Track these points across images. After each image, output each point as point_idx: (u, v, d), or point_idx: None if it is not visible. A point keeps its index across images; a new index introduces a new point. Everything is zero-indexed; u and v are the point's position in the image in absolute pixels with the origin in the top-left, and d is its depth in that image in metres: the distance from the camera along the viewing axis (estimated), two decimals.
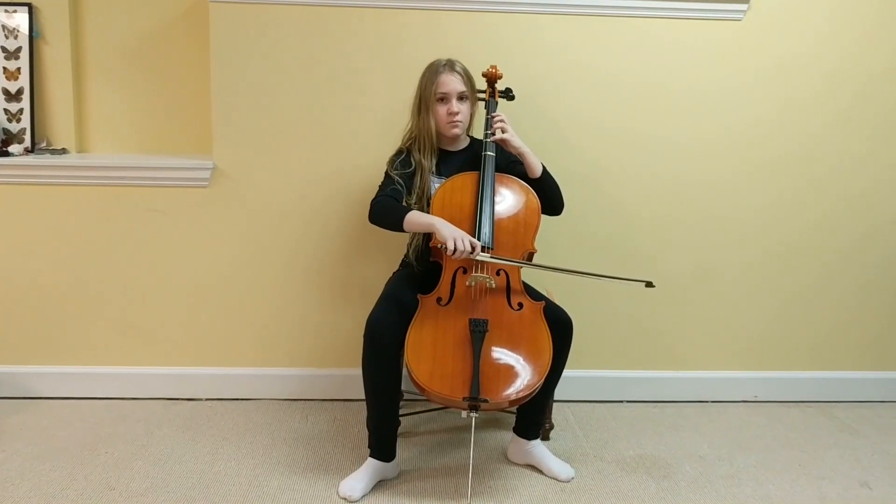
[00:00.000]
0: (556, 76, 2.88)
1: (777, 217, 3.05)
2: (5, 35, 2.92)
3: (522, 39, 2.84)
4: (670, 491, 2.43)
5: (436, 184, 2.50)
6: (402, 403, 2.51)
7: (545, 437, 2.71)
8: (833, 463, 2.66)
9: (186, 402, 2.98)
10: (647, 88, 2.91)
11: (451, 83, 2.46)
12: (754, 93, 2.95)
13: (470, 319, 2.28)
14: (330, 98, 2.84)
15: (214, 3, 2.75)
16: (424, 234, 2.46)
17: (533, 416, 2.52)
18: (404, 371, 2.34)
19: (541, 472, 2.50)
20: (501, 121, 2.49)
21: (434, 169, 2.53)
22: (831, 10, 2.90)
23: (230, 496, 2.31)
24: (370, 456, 2.39)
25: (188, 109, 3.03)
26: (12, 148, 2.92)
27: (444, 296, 2.35)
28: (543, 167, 2.52)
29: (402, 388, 2.48)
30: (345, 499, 2.31)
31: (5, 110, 2.95)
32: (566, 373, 2.45)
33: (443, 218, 2.37)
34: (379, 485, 2.39)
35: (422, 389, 2.21)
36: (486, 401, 2.13)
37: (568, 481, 2.46)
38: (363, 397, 2.38)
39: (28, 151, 2.94)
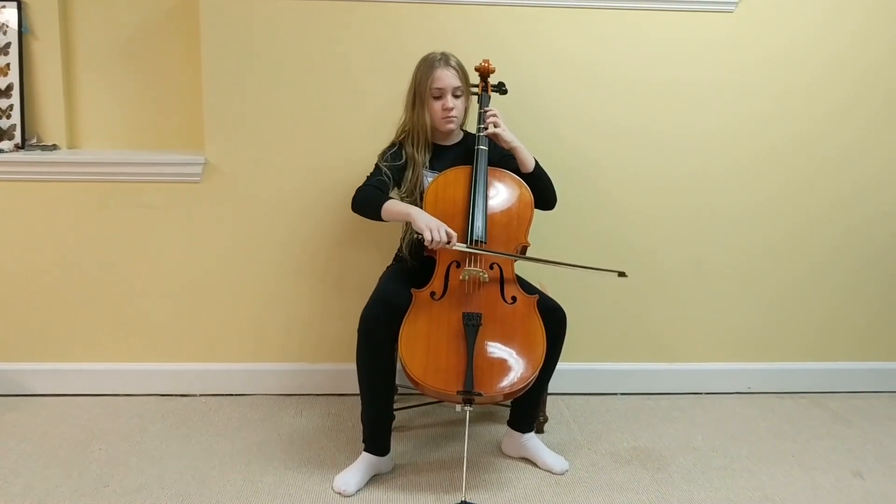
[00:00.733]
0: (549, 70, 2.88)
1: (769, 210, 3.06)
2: None
3: (515, 33, 2.83)
4: (664, 482, 2.44)
5: (429, 178, 2.50)
6: (396, 398, 2.51)
7: (539, 430, 2.71)
8: (826, 453, 2.67)
9: (180, 398, 2.98)
10: (639, 82, 2.91)
11: (447, 79, 2.46)
12: (747, 86, 2.95)
13: (463, 313, 2.28)
14: (322, 92, 2.83)
15: None
16: (418, 234, 2.46)
17: (527, 410, 2.52)
18: (398, 365, 2.34)
19: (535, 464, 2.51)
20: (494, 115, 2.49)
21: (427, 163, 2.53)
22: (825, 3, 2.90)
23: (225, 492, 2.31)
24: (365, 450, 2.40)
25: (179, 104, 3.01)
26: (3, 144, 2.90)
27: (437, 290, 2.35)
28: (536, 162, 2.52)
29: (397, 382, 2.48)
30: (339, 493, 2.31)
31: None
32: (560, 366, 2.46)
33: (436, 212, 2.38)
34: (374, 479, 2.39)
35: (416, 383, 2.21)
36: (480, 394, 2.13)
37: (562, 474, 2.47)
38: (357, 392, 2.38)
39: (18, 148, 2.92)
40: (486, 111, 2.51)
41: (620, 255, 2.99)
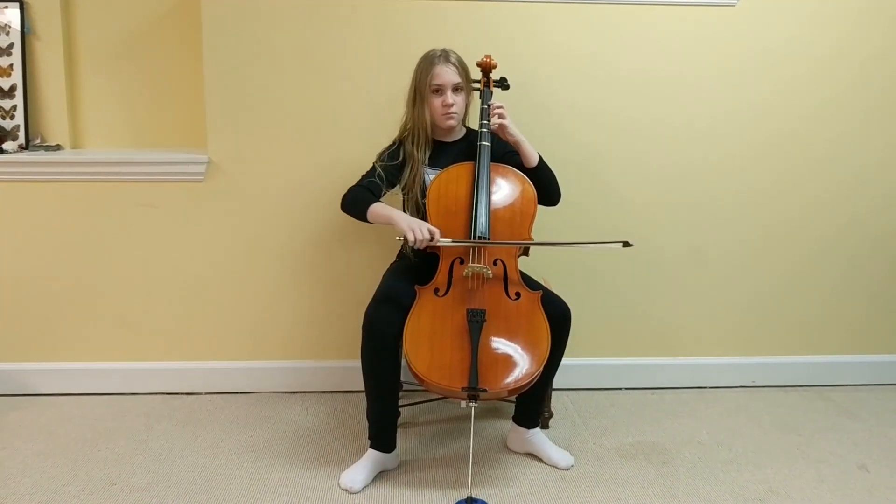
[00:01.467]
0: (549, 64, 2.87)
1: (770, 202, 3.06)
2: None
3: (516, 28, 2.83)
4: (669, 477, 2.44)
5: (430, 175, 2.50)
6: (401, 394, 2.52)
7: (544, 426, 2.72)
8: (831, 446, 2.67)
9: (186, 396, 2.99)
10: (641, 75, 2.91)
11: (446, 75, 2.46)
12: (745, 78, 2.94)
13: (467, 310, 2.28)
14: (324, 90, 2.83)
15: None
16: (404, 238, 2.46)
17: (532, 405, 2.53)
18: (403, 362, 2.35)
19: (540, 460, 2.51)
20: (500, 107, 2.49)
21: (428, 160, 2.53)
22: None
23: (231, 490, 2.32)
24: (370, 447, 2.40)
25: (182, 103, 3.02)
26: (6, 145, 2.91)
27: (441, 286, 2.35)
28: (540, 157, 2.52)
29: (402, 378, 2.49)
30: (346, 490, 2.31)
31: None
32: (564, 361, 2.46)
33: (439, 209, 2.38)
34: (380, 476, 2.40)
35: (421, 380, 2.21)
36: (484, 390, 2.13)
37: (568, 469, 2.47)
38: (363, 389, 2.38)
39: (22, 148, 2.93)
40: (491, 104, 2.51)
41: (623, 250, 2.99)
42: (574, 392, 3.06)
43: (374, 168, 2.51)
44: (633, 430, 2.76)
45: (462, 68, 2.49)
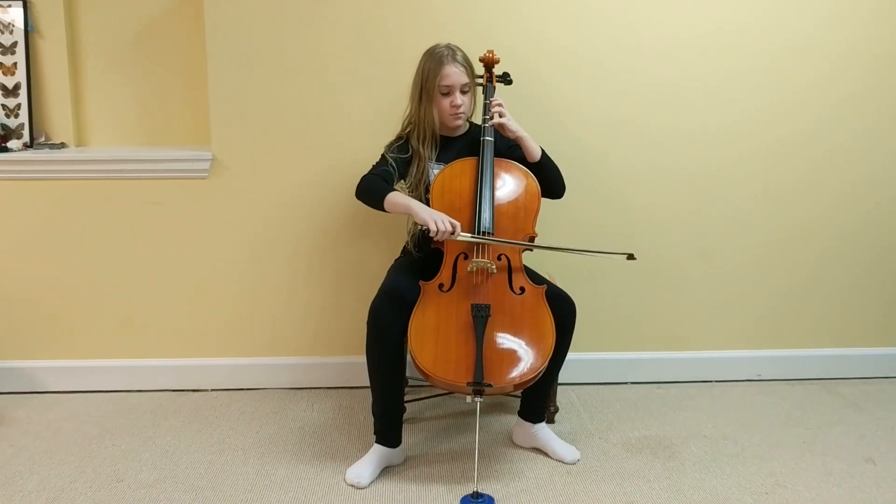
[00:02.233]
0: (552, 62, 2.87)
1: (778, 198, 3.05)
2: (0, 30, 2.91)
3: (518, 24, 2.83)
4: (676, 471, 2.44)
5: (435, 170, 2.50)
6: (406, 389, 2.52)
7: (550, 420, 2.72)
8: (838, 439, 2.67)
9: (192, 393, 3.00)
10: (644, 75, 2.90)
11: (455, 76, 2.44)
12: (758, 78, 2.93)
13: (472, 305, 2.28)
14: (328, 86, 2.83)
15: None
16: (421, 227, 2.45)
17: (537, 400, 2.53)
18: (408, 357, 2.35)
19: (546, 454, 2.51)
20: (499, 105, 2.48)
21: (433, 157, 2.52)
22: None
23: (238, 486, 2.32)
24: (376, 442, 2.41)
25: (186, 100, 3.02)
26: (11, 143, 2.92)
27: (445, 282, 2.35)
28: (543, 151, 2.51)
29: (407, 374, 2.49)
30: (353, 485, 2.32)
31: (3, 106, 2.95)
32: (570, 356, 2.46)
33: (443, 204, 2.38)
34: (386, 471, 2.40)
35: (426, 375, 2.22)
36: (490, 385, 2.14)
37: (573, 463, 2.47)
38: (368, 385, 2.38)
39: (27, 146, 2.94)
40: (491, 101, 2.50)
41: (628, 243, 2.98)
42: (579, 386, 3.06)
43: (384, 158, 2.51)
44: (638, 425, 2.76)
45: (469, 67, 2.49)
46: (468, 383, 2.13)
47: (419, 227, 2.33)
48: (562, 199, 2.59)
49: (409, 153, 2.52)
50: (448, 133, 2.57)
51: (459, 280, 2.35)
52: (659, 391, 3.06)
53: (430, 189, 2.45)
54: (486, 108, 2.52)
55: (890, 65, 2.97)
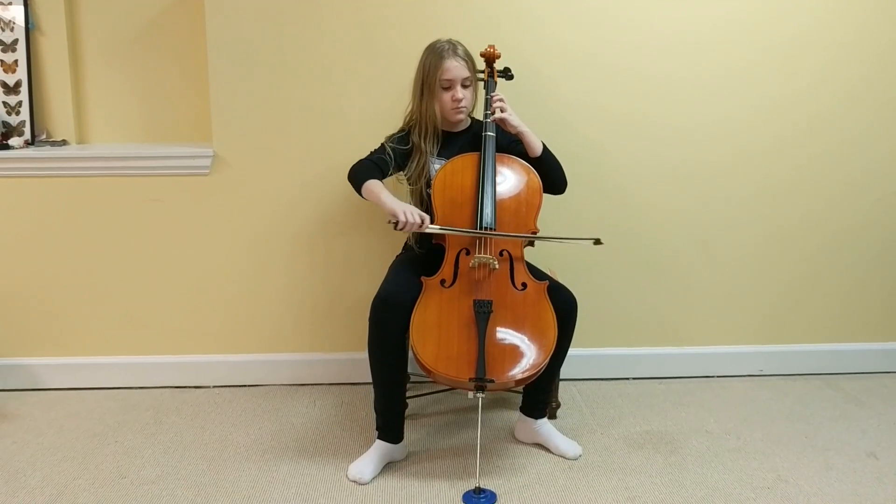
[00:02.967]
0: (554, 58, 2.86)
1: (779, 193, 3.04)
2: (1, 28, 2.91)
3: (518, 18, 2.82)
4: (677, 466, 2.44)
5: (436, 165, 2.50)
6: (408, 386, 2.52)
7: (552, 416, 2.72)
8: (839, 434, 2.67)
9: (194, 389, 3.00)
10: (648, 68, 2.89)
11: (456, 70, 2.44)
12: (757, 72, 2.93)
13: (474, 300, 2.28)
14: (329, 82, 2.83)
15: None
16: (389, 220, 2.45)
17: (539, 395, 2.53)
18: (410, 353, 2.35)
19: (548, 450, 2.51)
20: (500, 100, 2.48)
21: (435, 152, 2.52)
22: None
23: (240, 482, 2.33)
24: (378, 438, 2.41)
25: (187, 97, 3.02)
26: (12, 141, 2.92)
27: (447, 278, 2.35)
28: (544, 146, 2.51)
29: (409, 370, 2.49)
30: (355, 481, 2.32)
31: (4, 103, 2.95)
32: (571, 351, 2.46)
33: (444, 200, 2.38)
34: (388, 466, 2.40)
35: (428, 371, 2.22)
36: (491, 381, 2.14)
37: (575, 459, 2.47)
38: (370, 381, 2.39)
39: (28, 144, 2.94)
40: (492, 96, 2.50)
41: (629, 240, 3.00)
42: (581, 382, 3.06)
43: (382, 146, 2.51)
44: (640, 420, 2.76)
45: (470, 61, 2.49)
46: (470, 379, 2.14)
47: (388, 221, 2.32)
48: (565, 197, 2.59)
49: (410, 146, 2.52)
50: (449, 128, 2.57)
51: (461, 276, 2.35)
52: (661, 386, 3.06)
53: (432, 184, 2.44)
54: (488, 104, 2.52)
55: (890, 59, 2.96)
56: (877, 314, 3.20)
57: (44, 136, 2.98)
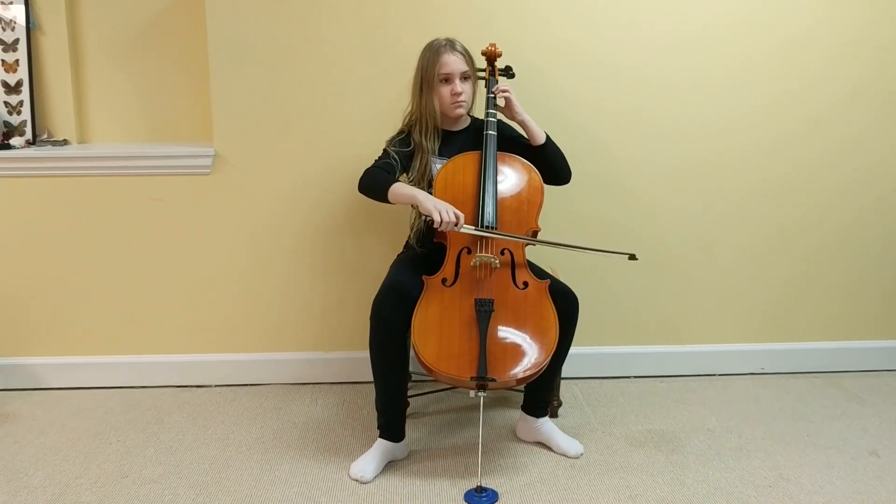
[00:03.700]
0: (555, 57, 2.86)
1: (780, 190, 3.04)
2: (2, 27, 2.91)
3: (520, 17, 2.82)
4: (679, 464, 2.44)
5: (437, 164, 2.50)
6: (410, 384, 2.52)
7: (553, 415, 2.72)
8: (841, 432, 2.67)
9: (196, 388, 3.00)
10: (649, 66, 2.90)
11: (454, 63, 2.45)
12: (758, 70, 2.93)
13: (475, 299, 2.28)
14: (330, 81, 2.83)
15: None
16: (425, 217, 2.46)
17: (541, 394, 2.53)
18: (411, 352, 2.35)
19: (550, 449, 2.52)
20: (506, 90, 2.49)
21: (436, 150, 2.52)
22: None
23: (242, 481, 2.33)
24: (380, 437, 2.41)
25: (188, 96, 3.02)
26: (14, 140, 2.92)
27: (448, 276, 2.35)
28: (547, 136, 2.51)
29: (410, 369, 2.49)
30: (356, 480, 2.32)
31: (5, 103, 2.95)
32: (573, 350, 2.46)
33: (446, 199, 2.38)
34: (389, 465, 2.41)
35: (429, 370, 2.22)
36: (493, 380, 2.14)
37: (577, 457, 2.47)
38: (371, 380, 2.39)
39: (29, 144, 2.94)
40: (496, 89, 2.51)
41: (630, 237, 2.99)
42: (583, 381, 3.06)
43: (386, 152, 2.50)
44: (642, 418, 2.76)
45: (468, 56, 2.49)
46: (471, 378, 2.14)
47: (423, 218, 2.33)
48: (565, 191, 2.59)
49: (411, 147, 2.51)
50: (450, 126, 2.57)
51: (462, 275, 2.35)
52: (662, 385, 3.06)
53: (433, 183, 2.44)
54: (490, 102, 2.52)
55: (890, 58, 2.96)
56: (878, 312, 3.19)
57: (45, 136, 2.99)
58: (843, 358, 3.19)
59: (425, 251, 2.54)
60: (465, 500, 2.22)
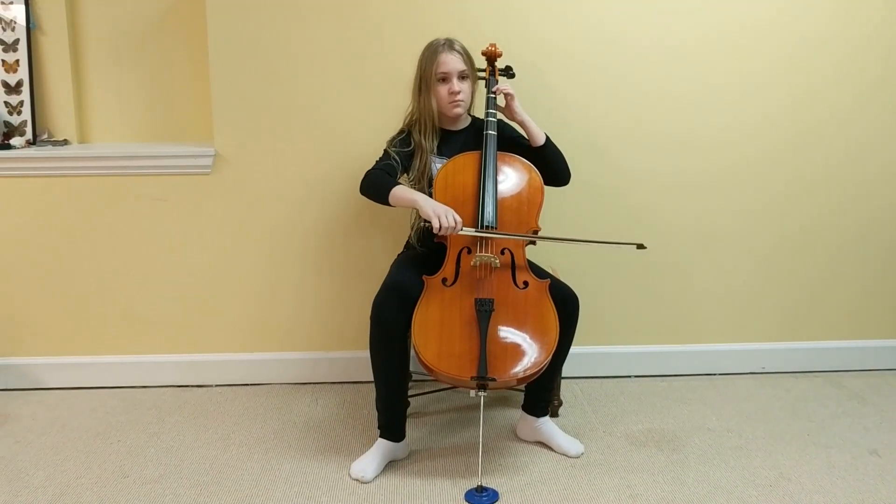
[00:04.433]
0: (555, 63, 2.86)
1: (784, 193, 3.04)
2: (2, 27, 2.91)
3: (521, 26, 2.82)
4: (680, 464, 2.44)
5: (437, 164, 2.50)
6: (410, 384, 2.52)
7: (554, 414, 2.72)
8: (842, 432, 2.67)
9: (196, 388, 3.00)
10: (655, 74, 2.90)
11: (452, 62, 2.45)
12: (767, 75, 2.93)
13: (476, 299, 2.28)
14: (330, 82, 2.83)
15: None
16: (424, 220, 2.45)
17: (541, 394, 2.53)
18: (412, 352, 2.35)
19: (550, 448, 2.51)
20: (506, 89, 2.49)
21: (435, 149, 2.52)
22: None
23: (242, 481, 2.33)
24: (380, 437, 2.41)
25: (188, 96, 3.02)
26: (14, 140, 2.92)
27: (448, 276, 2.35)
28: (547, 137, 2.51)
29: (411, 368, 2.49)
30: (357, 480, 2.32)
31: (6, 103, 2.95)
32: (573, 349, 2.46)
33: (446, 198, 2.38)
34: (390, 465, 2.41)
35: (430, 370, 2.22)
36: (493, 379, 2.14)
37: (577, 457, 2.47)
38: (372, 379, 2.39)
39: (30, 144, 2.94)
40: (497, 88, 2.51)
41: (631, 236, 2.95)
42: (583, 380, 3.06)
43: (387, 153, 2.50)
44: (642, 418, 2.76)
45: (467, 56, 2.49)
46: (472, 377, 2.14)
47: (422, 222, 2.33)
48: (566, 192, 2.59)
49: (412, 146, 2.51)
50: (449, 126, 2.57)
51: (463, 274, 2.35)
52: (663, 384, 3.06)
53: (434, 183, 2.44)
54: (490, 102, 2.52)
55: None
56: (879, 312, 3.19)
57: (45, 136, 2.99)
58: (844, 357, 3.18)
59: (426, 251, 2.54)
60: (466, 500, 2.22)
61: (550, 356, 2.24)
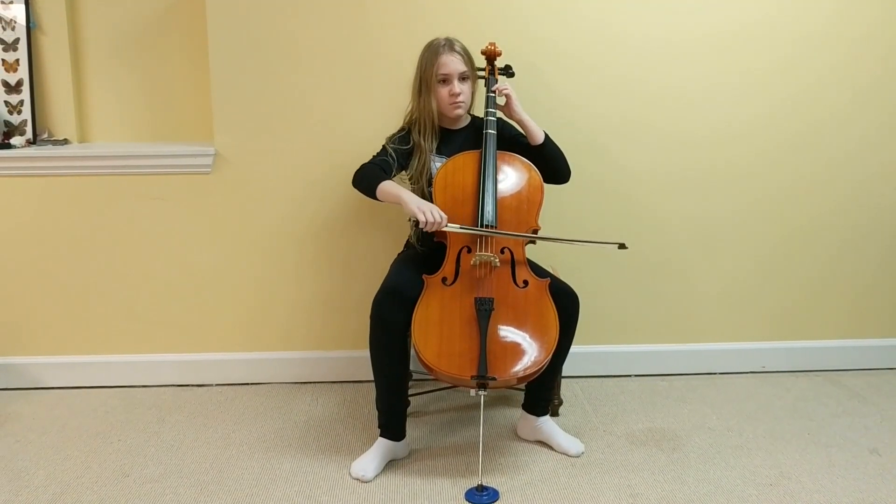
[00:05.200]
0: (555, 62, 2.86)
1: (784, 192, 3.04)
2: (2, 27, 2.91)
3: (522, 25, 2.82)
4: (680, 463, 2.44)
5: (437, 163, 2.50)
6: (410, 383, 2.52)
7: (554, 413, 2.72)
8: (842, 431, 2.67)
9: (196, 388, 3.00)
10: (656, 73, 2.90)
11: (452, 64, 2.45)
12: (766, 74, 2.93)
13: (475, 298, 2.28)
14: (330, 81, 2.83)
15: None
16: (409, 218, 2.45)
17: (541, 393, 2.53)
18: (412, 351, 2.35)
19: (551, 447, 2.51)
20: (506, 88, 2.49)
21: (435, 149, 2.52)
22: None
23: (243, 480, 2.33)
24: (380, 436, 2.41)
25: (189, 95, 3.02)
26: (14, 140, 2.92)
27: (448, 275, 2.35)
28: (546, 136, 2.51)
29: (411, 368, 2.49)
30: (357, 479, 2.32)
31: (6, 102, 2.95)
32: (574, 349, 2.46)
33: (446, 197, 2.38)
34: (390, 464, 2.41)
35: (430, 369, 2.22)
36: (493, 379, 2.14)
37: (578, 456, 2.47)
38: (372, 378, 2.39)
39: (30, 143, 2.94)
40: (496, 88, 2.51)
41: (630, 238, 2.96)
42: (584, 379, 3.06)
43: (384, 149, 2.51)
44: (643, 417, 2.76)
45: (467, 56, 2.49)
46: (472, 377, 2.14)
47: (409, 220, 2.33)
48: (566, 191, 2.59)
49: (411, 145, 2.52)
50: (449, 125, 2.57)
51: (463, 274, 2.35)
52: (663, 383, 3.06)
53: (433, 182, 2.44)
54: (490, 101, 2.52)
55: None
56: (879, 311, 3.19)
57: (45, 135, 2.99)
58: (845, 356, 3.18)
59: (426, 250, 2.54)
60: (466, 499, 2.22)
61: (550, 355, 2.24)
